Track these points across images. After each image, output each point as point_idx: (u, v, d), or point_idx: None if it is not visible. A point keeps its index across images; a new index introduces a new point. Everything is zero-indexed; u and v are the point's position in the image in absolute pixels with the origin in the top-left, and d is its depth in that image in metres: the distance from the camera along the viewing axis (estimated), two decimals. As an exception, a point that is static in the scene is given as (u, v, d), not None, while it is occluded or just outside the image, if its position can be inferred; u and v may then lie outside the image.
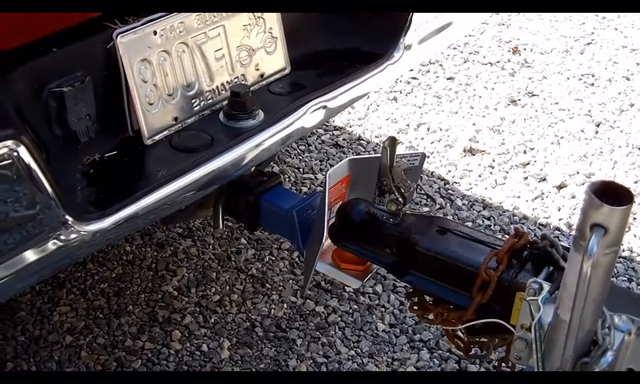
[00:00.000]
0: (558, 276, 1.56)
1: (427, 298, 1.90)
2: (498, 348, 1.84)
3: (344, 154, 3.51)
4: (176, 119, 2.04)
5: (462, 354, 1.89)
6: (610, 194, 1.31)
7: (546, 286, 1.56)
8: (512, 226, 3.07)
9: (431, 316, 1.87)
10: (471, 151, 3.54)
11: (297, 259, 2.93)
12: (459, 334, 1.86)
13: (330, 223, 1.97)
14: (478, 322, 1.73)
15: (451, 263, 1.78)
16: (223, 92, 2.14)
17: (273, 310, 2.75)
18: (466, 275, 1.74)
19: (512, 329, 1.65)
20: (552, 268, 1.68)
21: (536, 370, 1.54)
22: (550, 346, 1.51)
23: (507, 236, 1.78)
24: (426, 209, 1.94)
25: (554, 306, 1.49)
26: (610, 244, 1.33)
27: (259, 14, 2.20)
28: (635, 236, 3.09)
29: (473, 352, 1.88)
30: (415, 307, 1.91)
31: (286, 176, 3.34)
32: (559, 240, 1.74)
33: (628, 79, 4.09)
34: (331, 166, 3.22)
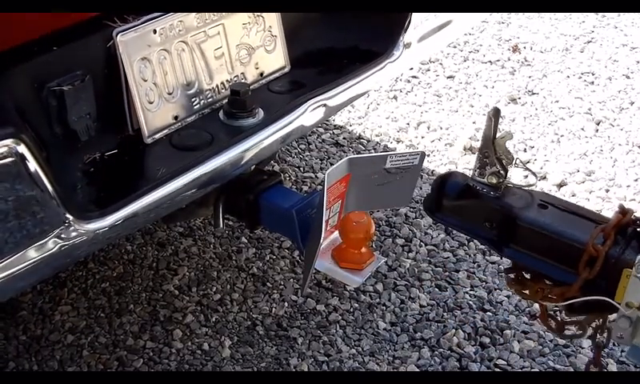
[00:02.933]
0: None
1: (525, 274, 1.88)
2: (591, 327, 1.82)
3: (344, 152, 3.51)
4: (176, 118, 2.05)
5: (554, 333, 1.88)
6: None
7: None
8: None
9: (529, 292, 1.85)
10: (471, 150, 3.54)
11: (297, 258, 2.94)
12: (552, 313, 1.86)
13: (425, 195, 1.94)
14: (581, 299, 1.71)
15: (555, 238, 1.76)
16: (223, 90, 2.14)
17: (274, 309, 2.75)
18: (571, 250, 1.72)
19: (618, 306, 1.63)
20: None
21: None
22: None
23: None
24: (527, 183, 1.92)
25: None
26: None
27: (259, 13, 2.20)
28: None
29: (567, 332, 1.87)
30: (513, 283, 1.89)
31: (287, 175, 3.34)
32: None
33: (628, 77, 4.09)
34: (332, 164, 3.22)
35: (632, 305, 1.57)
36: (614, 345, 2.53)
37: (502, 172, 1.86)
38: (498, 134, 1.84)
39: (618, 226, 1.71)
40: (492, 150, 1.84)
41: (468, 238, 3.02)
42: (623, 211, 1.74)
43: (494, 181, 1.86)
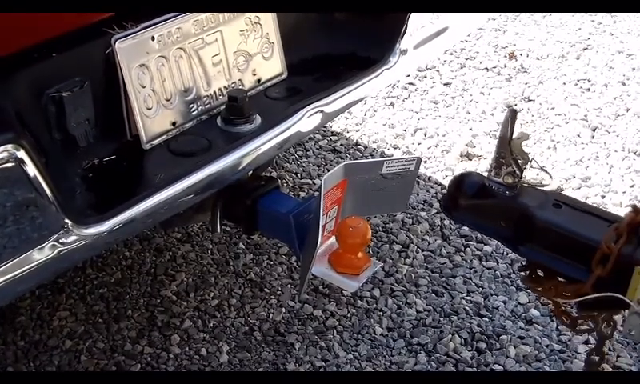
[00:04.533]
0: None
1: (539, 272, 1.92)
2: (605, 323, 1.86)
3: (341, 159, 3.53)
4: (174, 124, 2.06)
5: (569, 328, 1.93)
6: None
7: None
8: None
9: (544, 289, 1.89)
10: (468, 156, 3.55)
11: (295, 264, 2.95)
12: (567, 309, 1.90)
13: (442, 195, 1.98)
14: (593, 295, 1.74)
15: (569, 236, 1.80)
16: (221, 97, 2.15)
17: (271, 314, 2.76)
18: (585, 248, 1.76)
19: (630, 303, 1.67)
20: None
21: None
22: None
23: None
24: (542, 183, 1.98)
25: None
26: None
27: (256, 20, 2.22)
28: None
29: (581, 327, 1.92)
30: (528, 280, 1.93)
31: (284, 181, 3.36)
32: None
33: (624, 84, 4.10)
34: (329, 170, 3.23)
35: None
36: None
37: (517, 172, 1.90)
38: (514, 135, 1.89)
39: (632, 225, 1.74)
40: (508, 151, 1.89)
41: (464, 243, 3.04)
42: (637, 210, 1.77)
43: (510, 180, 1.91)
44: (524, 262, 1.95)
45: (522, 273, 1.96)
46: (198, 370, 2.55)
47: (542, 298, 2.49)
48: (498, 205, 1.92)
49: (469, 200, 1.96)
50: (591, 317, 1.88)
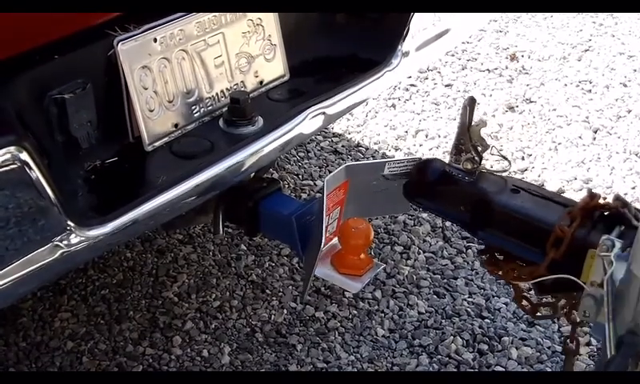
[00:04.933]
0: (630, 234, 1.60)
1: (498, 255, 1.94)
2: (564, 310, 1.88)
3: (343, 160, 3.53)
4: (176, 126, 2.06)
5: (529, 314, 1.96)
6: None
7: (618, 243, 1.60)
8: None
9: (502, 272, 1.92)
10: (469, 157, 3.55)
11: (296, 265, 2.95)
12: (527, 295, 1.93)
13: (405, 181, 2.02)
14: (548, 277, 1.77)
15: (526, 220, 1.83)
16: (223, 99, 2.16)
17: (273, 316, 2.76)
18: (540, 232, 1.79)
19: (583, 285, 1.68)
20: (624, 227, 1.72)
21: (606, 324, 1.56)
22: (622, 301, 1.54)
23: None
24: (501, 168, 2.00)
25: (627, 263, 1.53)
26: None
27: (258, 22, 2.22)
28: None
29: (540, 314, 1.94)
30: (487, 264, 1.95)
31: (286, 183, 3.36)
32: None
33: (625, 86, 4.10)
34: (330, 172, 3.23)
35: (597, 283, 1.63)
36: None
37: (476, 158, 1.93)
38: (473, 122, 1.92)
39: (585, 209, 1.77)
40: (467, 138, 1.92)
41: (466, 245, 3.04)
42: (591, 195, 1.80)
43: (469, 166, 1.94)
44: (483, 246, 1.98)
45: (482, 256, 1.98)
46: (200, 371, 2.55)
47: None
48: (458, 190, 1.95)
49: (430, 186, 2.00)
50: (550, 304, 1.90)
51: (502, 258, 1.93)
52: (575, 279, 1.70)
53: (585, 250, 1.70)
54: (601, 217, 1.78)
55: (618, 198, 1.78)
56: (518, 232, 1.85)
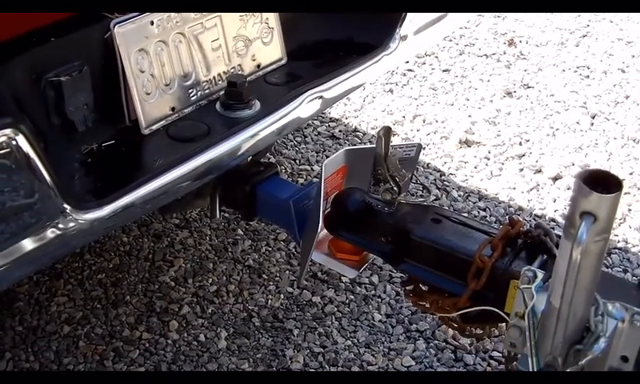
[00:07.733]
0: (552, 264, 1.56)
1: (422, 286, 1.91)
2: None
3: (340, 145, 3.52)
4: (173, 109, 2.05)
5: (458, 336, 1.91)
6: (600, 181, 1.31)
7: (540, 274, 1.58)
8: (507, 217, 3.08)
9: (426, 304, 1.89)
10: (467, 143, 3.55)
11: (293, 250, 2.95)
12: (455, 321, 1.88)
13: (326, 212, 1.98)
14: (472, 309, 1.74)
15: (446, 251, 1.79)
16: (220, 82, 2.15)
17: (270, 301, 2.76)
18: (461, 263, 1.75)
19: (506, 317, 1.66)
20: (546, 256, 1.70)
21: (529, 358, 1.55)
22: (543, 333, 1.52)
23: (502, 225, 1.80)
24: (421, 199, 1.95)
25: (547, 294, 1.50)
26: (600, 231, 1.34)
27: (256, 6, 2.21)
28: (630, 227, 3.11)
29: (468, 333, 1.91)
30: (411, 295, 1.92)
31: (283, 167, 3.35)
32: (554, 230, 1.75)
33: (623, 71, 4.10)
34: (327, 157, 3.22)
35: (520, 314, 1.58)
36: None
37: (395, 188, 1.90)
38: (389, 152, 1.88)
39: (506, 238, 1.73)
40: (384, 168, 1.89)
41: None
42: (512, 223, 1.76)
43: (388, 197, 1.90)
44: (406, 278, 1.94)
45: (405, 288, 1.94)
46: (197, 357, 2.55)
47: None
48: (378, 221, 1.91)
49: (351, 217, 1.94)
50: (475, 334, 1.89)
51: (426, 288, 1.89)
52: (497, 311, 1.66)
53: (507, 280, 1.66)
54: (525, 244, 1.74)
55: (539, 225, 1.73)
56: (438, 263, 1.80)
